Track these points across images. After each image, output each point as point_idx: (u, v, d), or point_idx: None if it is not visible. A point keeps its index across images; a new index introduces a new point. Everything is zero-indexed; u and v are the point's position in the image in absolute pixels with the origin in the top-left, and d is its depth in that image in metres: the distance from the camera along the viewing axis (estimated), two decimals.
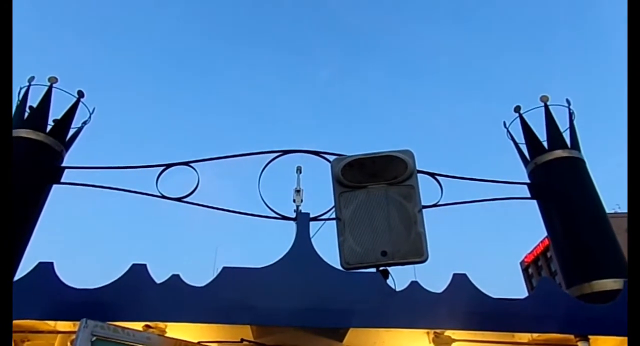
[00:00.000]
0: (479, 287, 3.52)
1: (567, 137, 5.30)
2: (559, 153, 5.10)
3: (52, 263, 3.41)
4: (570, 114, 5.52)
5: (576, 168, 5.05)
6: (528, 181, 5.31)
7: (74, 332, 2.97)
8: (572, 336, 3.36)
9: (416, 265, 3.96)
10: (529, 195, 5.16)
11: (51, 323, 3.36)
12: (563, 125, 5.44)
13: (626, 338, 3.32)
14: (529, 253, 47.13)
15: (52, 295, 3.27)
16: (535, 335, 3.44)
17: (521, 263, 49.15)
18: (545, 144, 5.25)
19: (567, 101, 5.63)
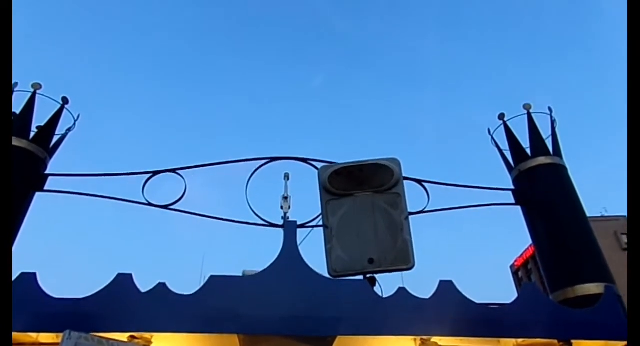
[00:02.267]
0: (464, 294, 3.56)
1: (549, 144, 5.41)
2: (541, 160, 5.20)
3: (34, 274, 3.36)
4: (552, 122, 5.63)
5: (558, 175, 5.15)
6: (512, 187, 5.39)
7: (57, 344, 2.94)
8: (555, 341, 3.42)
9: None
10: (513, 201, 5.25)
11: (33, 335, 3.30)
12: (547, 132, 5.55)
13: (607, 342, 3.40)
14: (519, 257, 47.48)
15: (34, 306, 3.22)
16: (520, 340, 3.49)
17: (511, 267, 49.50)
18: (528, 151, 5.35)
19: (549, 109, 5.75)
